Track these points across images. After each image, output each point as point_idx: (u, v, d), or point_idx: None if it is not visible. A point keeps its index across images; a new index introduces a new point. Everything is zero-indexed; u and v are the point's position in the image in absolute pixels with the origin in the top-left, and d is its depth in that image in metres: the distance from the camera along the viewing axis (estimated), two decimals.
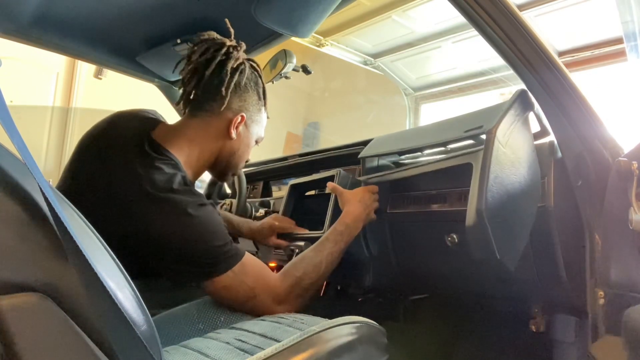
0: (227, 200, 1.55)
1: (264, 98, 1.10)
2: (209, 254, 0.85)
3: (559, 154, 0.92)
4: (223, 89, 0.97)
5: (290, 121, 4.43)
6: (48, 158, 2.85)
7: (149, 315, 0.52)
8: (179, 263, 0.86)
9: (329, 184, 1.14)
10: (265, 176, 1.88)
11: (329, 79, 4.17)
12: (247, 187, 1.75)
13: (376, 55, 3.32)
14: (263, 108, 1.11)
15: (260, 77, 1.09)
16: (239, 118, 1.02)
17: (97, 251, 0.50)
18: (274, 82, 1.54)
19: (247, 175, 1.75)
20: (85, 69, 2.94)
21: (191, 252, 0.84)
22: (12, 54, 2.45)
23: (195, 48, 1.00)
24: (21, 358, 0.40)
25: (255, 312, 0.91)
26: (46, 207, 0.43)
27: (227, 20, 1.02)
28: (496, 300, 1.26)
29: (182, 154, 0.96)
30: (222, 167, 1.07)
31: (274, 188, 1.91)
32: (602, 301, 0.84)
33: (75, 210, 0.52)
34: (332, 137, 4.33)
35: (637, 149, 0.81)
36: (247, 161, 1.13)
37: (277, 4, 1.08)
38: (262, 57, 1.46)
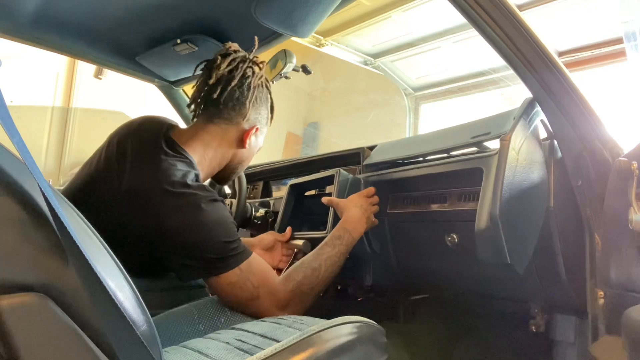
0: (227, 200, 1.55)
1: (273, 113, 1.17)
2: (218, 248, 0.87)
3: (559, 154, 0.92)
4: (247, 102, 1.03)
5: (291, 121, 4.43)
6: (48, 158, 2.85)
7: (149, 315, 0.52)
8: (188, 257, 0.87)
9: (324, 199, 1.16)
10: (265, 176, 1.88)
11: (329, 79, 4.17)
12: (247, 187, 1.75)
13: (376, 55, 3.32)
14: (269, 123, 1.17)
15: (270, 93, 1.15)
16: (254, 130, 1.08)
17: (97, 251, 0.50)
18: (274, 82, 1.54)
19: (247, 175, 1.75)
20: (85, 69, 2.94)
21: (201, 245, 0.86)
22: (12, 54, 2.45)
23: (222, 58, 1.04)
24: (21, 358, 0.40)
25: (256, 314, 0.91)
26: (46, 207, 0.43)
27: (256, 38, 1.08)
28: (496, 300, 1.26)
29: (197, 155, 1.01)
30: (227, 173, 1.13)
31: (274, 188, 1.91)
32: (602, 301, 0.84)
33: (75, 210, 0.52)
34: (332, 138, 4.33)
35: (637, 149, 0.82)
36: None
37: (277, 4, 1.08)
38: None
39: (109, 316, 0.44)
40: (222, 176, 1.13)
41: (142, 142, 0.96)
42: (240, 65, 1.03)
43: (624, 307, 0.74)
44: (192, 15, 1.15)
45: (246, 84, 1.03)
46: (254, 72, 1.05)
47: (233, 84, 1.01)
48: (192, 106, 1.08)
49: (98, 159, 0.99)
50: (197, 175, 0.95)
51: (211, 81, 1.03)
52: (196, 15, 1.15)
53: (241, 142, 1.07)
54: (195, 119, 1.08)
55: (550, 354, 1.06)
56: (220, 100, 1.03)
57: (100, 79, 3.00)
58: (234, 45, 1.07)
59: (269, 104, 1.14)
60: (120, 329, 0.45)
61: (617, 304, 0.80)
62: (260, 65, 1.08)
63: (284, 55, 1.45)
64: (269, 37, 1.25)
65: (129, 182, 0.89)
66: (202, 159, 1.02)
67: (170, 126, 1.04)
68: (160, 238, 0.87)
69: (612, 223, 0.83)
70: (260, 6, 1.08)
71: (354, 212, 1.09)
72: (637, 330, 0.69)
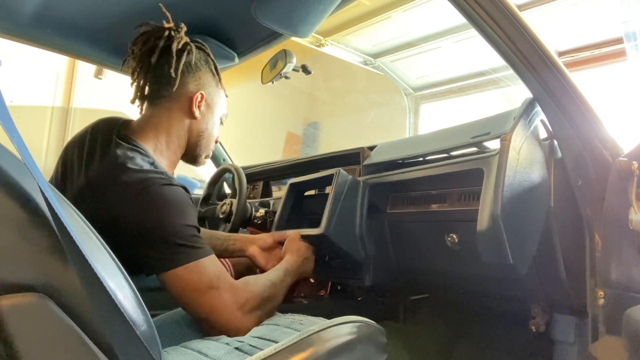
0: (227, 200, 1.55)
1: (218, 74, 1.11)
2: (179, 232, 0.82)
3: (559, 154, 0.92)
4: (172, 71, 0.97)
5: (290, 121, 4.42)
6: (48, 158, 2.85)
7: (149, 315, 0.52)
8: (150, 246, 0.82)
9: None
10: (265, 176, 1.88)
11: (329, 79, 4.16)
12: (247, 187, 1.75)
13: (376, 55, 3.32)
14: (220, 85, 1.11)
15: (209, 54, 1.09)
16: (199, 96, 1.02)
17: (97, 251, 0.50)
18: (274, 82, 1.54)
19: (247, 175, 1.75)
20: (85, 69, 2.94)
21: (161, 230, 0.81)
22: (12, 54, 2.45)
23: (136, 41, 1.01)
24: (21, 358, 0.40)
25: (212, 308, 0.83)
26: (46, 207, 0.43)
27: (161, 5, 1.01)
28: (496, 300, 1.26)
29: (149, 143, 0.97)
30: (193, 151, 1.08)
31: (274, 188, 1.91)
32: (602, 301, 0.84)
33: (75, 210, 0.52)
34: (332, 138, 4.33)
35: (637, 149, 0.82)
36: (216, 141, 1.14)
37: (277, 4, 1.08)
38: (262, 57, 1.46)
39: (109, 316, 0.44)
40: (190, 156, 1.09)
41: (96, 143, 0.95)
42: (156, 40, 0.99)
43: (624, 307, 0.74)
44: (192, 15, 1.15)
45: (171, 54, 0.98)
46: (172, 39, 0.99)
47: (153, 59, 0.97)
48: (137, 101, 1.05)
49: (57, 170, 0.99)
50: (152, 163, 0.91)
51: (132, 69, 1.01)
52: (196, 15, 1.15)
53: (190, 113, 1.02)
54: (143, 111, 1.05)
55: (550, 354, 1.06)
56: (149, 82, 1.00)
57: (100, 79, 3.00)
58: (143, 27, 1.02)
59: (211, 66, 1.07)
60: (120, 329, 0.45)
61: (617, 304, 0.80)
62: (179, 30, 1.01)
63: (284, 55, 1.45)
64: (269, 37, 1.25)
65: (85, 180, 0.88)
66: (157, 144, 0.99)
67: (123, 123, 1.00)
68: (122, 229, 0.82)
69: (612, 223, 0.83)
70: (260, 6, 1.08)
71: (295, 254, 1.11)
72: (637, 330, 0.69)
